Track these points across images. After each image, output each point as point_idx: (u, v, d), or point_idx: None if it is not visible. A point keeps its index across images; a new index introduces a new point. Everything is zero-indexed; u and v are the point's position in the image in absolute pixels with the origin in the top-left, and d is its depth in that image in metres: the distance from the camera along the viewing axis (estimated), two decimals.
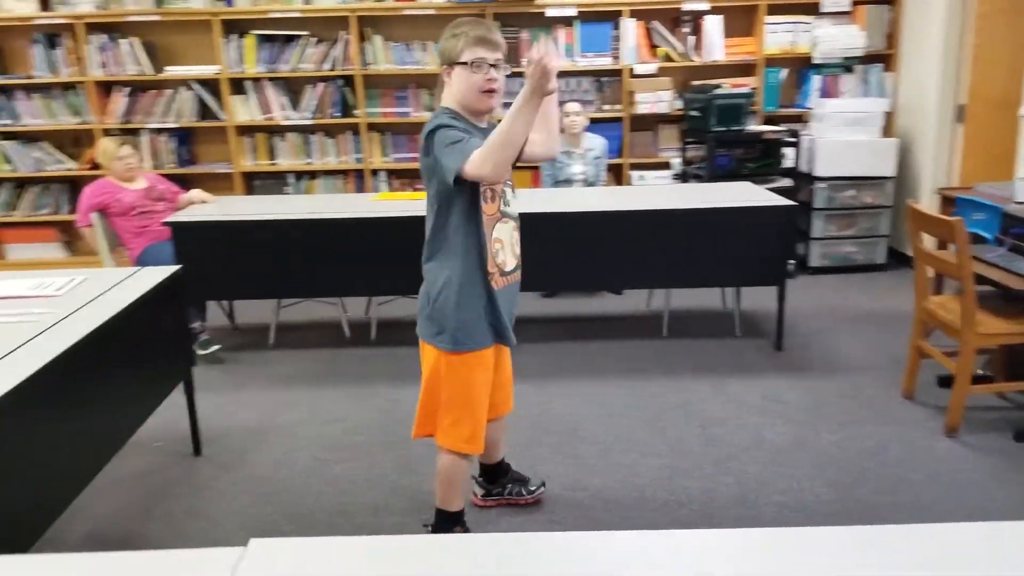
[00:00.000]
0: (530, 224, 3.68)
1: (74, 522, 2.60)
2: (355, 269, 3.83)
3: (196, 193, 4.19)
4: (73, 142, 5.45)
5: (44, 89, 5.36)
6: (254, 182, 5.63)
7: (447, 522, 2.34)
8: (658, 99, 5.49)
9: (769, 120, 5.56)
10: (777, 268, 3.87)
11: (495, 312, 2.18)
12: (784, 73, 5.62)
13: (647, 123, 5.69)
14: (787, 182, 5.18)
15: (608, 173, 5.66)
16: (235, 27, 5.33)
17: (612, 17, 5.44)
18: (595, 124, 5.48)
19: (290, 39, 5.33)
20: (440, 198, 2.09)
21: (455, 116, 2.08)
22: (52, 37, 5.27)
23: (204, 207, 4.08)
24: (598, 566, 1.10)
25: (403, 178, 5.66)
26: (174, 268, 2.82)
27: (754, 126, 5.32)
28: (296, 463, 2.95)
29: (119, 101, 5.35)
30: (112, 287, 2.61)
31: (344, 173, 5.62)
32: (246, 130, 5.51)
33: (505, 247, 2.18)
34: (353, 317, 4.44)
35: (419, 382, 2.29)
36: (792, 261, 5.25)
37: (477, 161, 1.91)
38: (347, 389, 3.61)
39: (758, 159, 5.31)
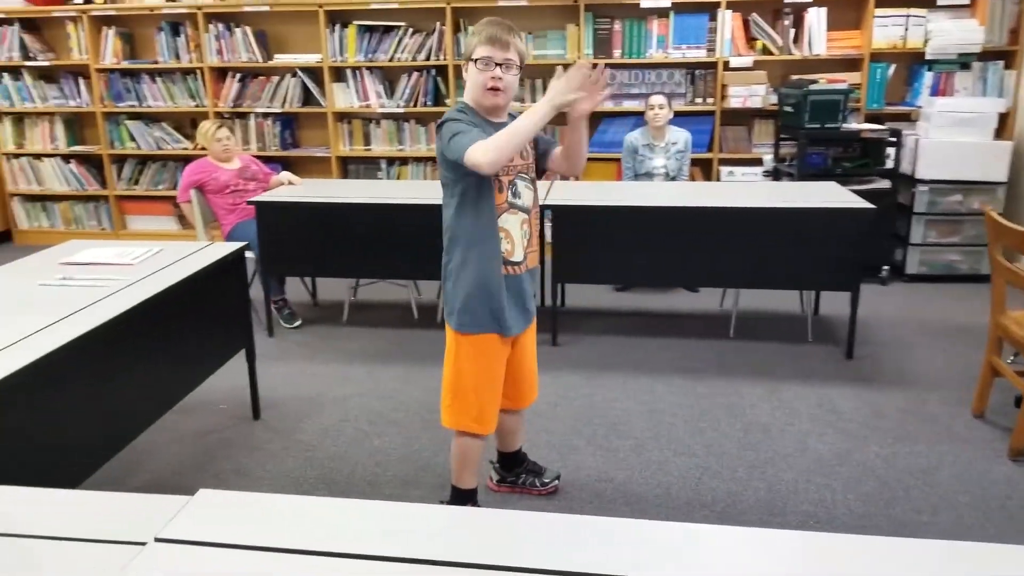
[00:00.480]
0: (603, 217, 3.76)
1: (137, 471, 2.88)
2: (426, 253, 3.95)
3: (285, 175, 4.46)
4: (190, 124, 5.89)
5: (166, 74, 5.82)
6: (349, 166, 5.90)
7: (459, 499, 2.44)
8: (751, 93, 5.33)
9: (873, 118, 5.29)
10: (850, 273, 3.71)
11: (501, 300, 2.24)
12: (892, 69, 5.32)
13: (741, 118, 5.55)
14: (885, 184, 4.94)
15: (695, 168, 5.58)
16: (339, 17, 5.59)
17: (709, 8, 5.32)
18: (686, 117, 5.41)
19: (389, 30, 5.54)
20: (450, 186, 2.18)
21: (466, 110, 2.17)
22: (176, 26, 5.71)
23: (291, 188, 4.34)
24: (566, 547, 1.15)
25: None
26: (238, 245, 3.04)
27: (853, 124, 5.09)
28: (342, 433, 3.13)
29: (231, 86, 5.74)
30: (181, 259, 2.85)
31: (433, 160, 5.80)
32: (344, 116, 5.78)
33: (512, 237, 2.23)
34: (424, 300, 4.60)
35: None
36: (886, 267, 5.01)
37: (477, 152, 1.99)
38: (404, 367, 3.76)
39: (855, 159, 5.08)
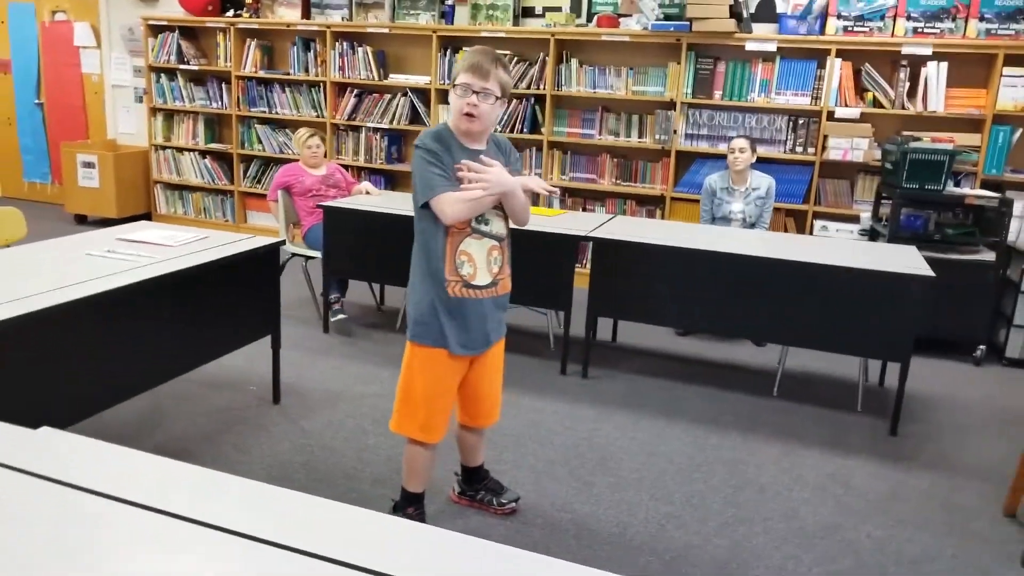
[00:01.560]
0: (664, 258, 3.72)
1: (153, 432, 3.18)
2: None
3: (365, 185, 4.75)
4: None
5: (295, 85, 6.35)
6: None
7: (405, 500, 2.53)
8: (854, 146, 5.07)
9: (992, 184, 4.88)
10: (901, 342, 3.46)
11: (454, 318, 2.31)
12: (1018, 133, 4.89)
13: (846, 171, 5.28)
14: (990, 256, 4.53)
15: (789, 219, 5.37)
16: (450, 43, 5.88)
17: (818, 55, 5.13)
18: (785, 166, 5.24)
19: None
20: (416, 205, 2.29)
21: (439, 137, 2.27)
22: (307, 41, 6.22)
23: (367, 198, 4.61)
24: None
25: (576, 197, 5.83)
26: (272, 240, 3.30)
27: (963, 188, 4.72)
28: (343, 428, 3.29)
29: (349, 101, 6.16)
30: (216, 247, 3.14)
31: None
32: None
33: (475, 261, 2.31)
34: None
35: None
36: (982, 347, 4.59)
37: (444, 204, 2.20)
38: None
39: (960, 226, 4.70)
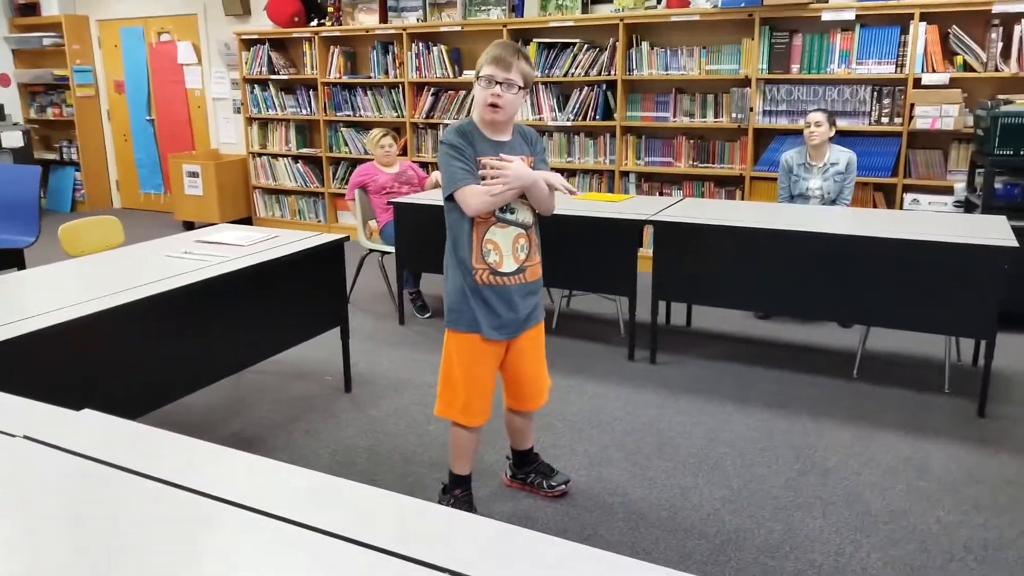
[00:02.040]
0: (727, 238, 3.66)
1: (234, 419, 3.39)
2: (550, 261, 4.07)
3: (435, 175, 4.85)
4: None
5: (376, 87, 6.56)
6: None
7: (453, 483, 2.60)
8: (943, 114, 4.78)
9: None
10: (985, 318, 3.26)
11: (484, 304, 2.37)
12: None
13: (938, 141, 4.99)
14: None
15: (878, 193, 5.13)
16: (521, 35, 5.93)
17: (900, 20, 4.87)
18: (869, 138, 5.02)
19: (565, 46, 5.76)
20: (444, 197, 2.36)
21: (468, 127, 2.34)
22: (386, 45, 6.42)
23: (437, 191, 4.72)
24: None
25: (652, 181, 5.76)
26: (337, 237, 3.45)
27: None
28: (407, 414, 3.41)
29: (426, 99, 6.32)
30: (284, 245, 3.31)
31: (599, 173, 5.91)
32: None
33: (501, 249, 2.36)
34: (551, 306, 4.75)
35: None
36: None
37: (463, 198, 2.29)
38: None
39: None
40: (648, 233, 4.15)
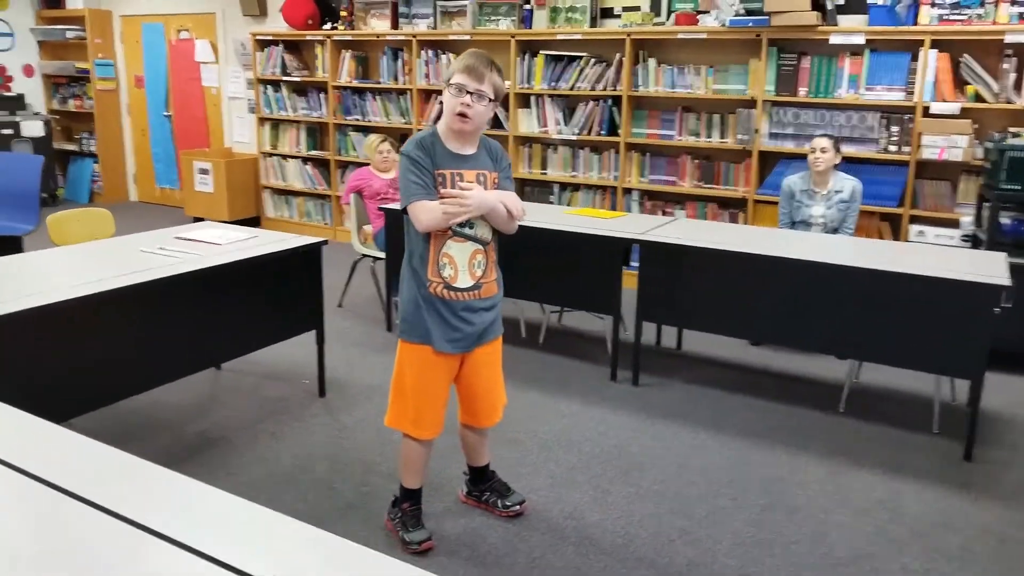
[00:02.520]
0: (714, 262, 3.57)
1: (203, 417, 3.37)
2: (539, 276, 4.03)
3: None
4: (399, 139, 6.55)
5: (385, 93, 6.56)
6: (525, 188, 6.16)
7: (403, 496, 2.55)
8: (951, 144, 4.66)
9: None
10: (973, 358, 3.14)
11: (437, 317, 2.33)
12: None
13: (946, 172, 4.86)
14: None
15: (884, 223, 5.01)
16: (529, 47, 5.89)
17: (910, 47, 4.77)
18: (877, 165, 4.91)
19: (572, 60, 5.72)
20: (400, 209, 2.33)
21: (422, 144, 2.29)
22: (396, 51, 6.42)
23: None
24: None
25: (655, 199, 5.68)
26: (313, 240, 3.43)
27: None
28: (374, 423, 3.35)
29: (434, 107, 6.30)
30: (260, 246, 3.29)
31: (603, 189, 5.85)
32: (525, 140, 6.06)
33: (457, 264, 2.32)
34: (534, 319, 4.68)
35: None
36: None
37: (415, 213, 2.27)
38: None
39: None
40: None
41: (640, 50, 5.52)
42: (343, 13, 6.61)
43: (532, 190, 6.14)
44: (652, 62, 5.47)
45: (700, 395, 3.81)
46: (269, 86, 7.15)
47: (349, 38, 6.61)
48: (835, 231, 4.47)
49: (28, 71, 8.43)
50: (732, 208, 5.49)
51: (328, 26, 6.71)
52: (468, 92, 2.23)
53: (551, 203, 5.98)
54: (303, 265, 3.42)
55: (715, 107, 5.43)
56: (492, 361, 2.50)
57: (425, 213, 2.24)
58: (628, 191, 5.73)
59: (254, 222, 7.52)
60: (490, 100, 2.28)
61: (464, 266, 2.33)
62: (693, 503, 2.82)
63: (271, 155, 7.31)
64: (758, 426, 3.48)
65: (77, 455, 1.45)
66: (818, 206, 4.48)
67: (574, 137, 5.78)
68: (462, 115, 2.25)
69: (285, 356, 3.90)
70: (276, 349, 3.87)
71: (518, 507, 2.68)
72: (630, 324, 3.90)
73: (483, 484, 2.71)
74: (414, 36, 6.23)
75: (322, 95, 6.88)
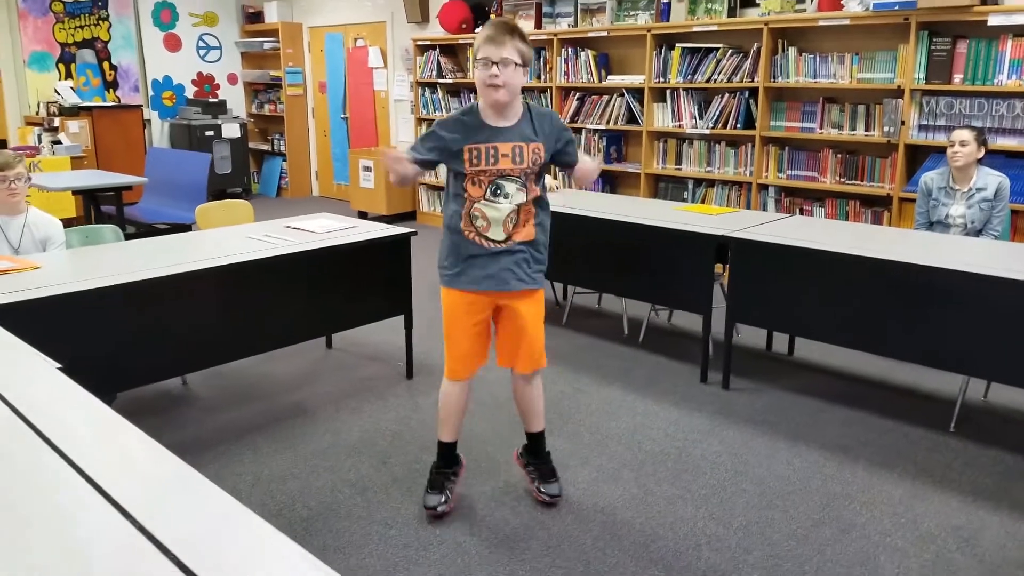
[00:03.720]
0: (824, 264, 3.38)
1: (298, 390, 3.70)
2: (627, 270, 4.05)
3: (549, 179, 4.91)
4: None
5: (527, 91, 6.71)
6: (659, 184, 6.05)
7: (437, 452, 2.73)
8: None
9: None
10: None
11: (466, 260, 2.48)
12: None
13: None
14: None
15: None
16: (665, 40, 5.78)
17: None
18: None
19: (709, 51, 5.54)
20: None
21: (469, 112, 2.44)
22: (539, 50, 6.55)
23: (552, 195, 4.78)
24: None
25: (794, 196, 5.37)
26: (404, 231, 3.65)
27: None
28: None
29: (572, 104, 6.37)
30: (356, 235, 3.56)
31: (739, 185, 5.62)
32: (660, 136, 5.95)
33: (487, 218, 2.43)
34: (636, 316, 4.62)
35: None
36: None
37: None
38: (565, 370, 3.93)
39: None
40: None
41: (780, 39, 5.24)
42: (492, 16, 6.85)
43: (666, 186, 6.03)
44: (792, 51, 5.18)
45: (792, 403, 3.59)
46: (427, 88, 7.57)
47: None
48: (978, 233, 4.02)
49: (232, 79, 9.52)
50: (876, 207, 5.07)
51: (479, 29, 6.99)
52: (493, 62, 2.30)
53: (684, 200, 5.84)
54: (392, 254, 3.65)
55: (860, 97, 5.04)
56: (530, 311, 2.56)
57: (393, 165, 2.42)
58: (764, 187, 5.46)
59: (410, 217, 8.00)
60: (517, 64, 2.33)
61: (495, 220, 2.44)
62: (736, 511, 2.70)
63: None
64: (846, 440, 3.23)
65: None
66: (958, 205, 4.04)
67: (708, 131, 5.60)
68: (493, 86, 2.32)
69: (388, 340, 4.17)
70: (380, 334, 4.18)
71: (549, 498, 2.71)
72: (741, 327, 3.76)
73: (535, 459, 2.78)
74: (555, 35, 6.33)
75: (473, 96, 7.18)
